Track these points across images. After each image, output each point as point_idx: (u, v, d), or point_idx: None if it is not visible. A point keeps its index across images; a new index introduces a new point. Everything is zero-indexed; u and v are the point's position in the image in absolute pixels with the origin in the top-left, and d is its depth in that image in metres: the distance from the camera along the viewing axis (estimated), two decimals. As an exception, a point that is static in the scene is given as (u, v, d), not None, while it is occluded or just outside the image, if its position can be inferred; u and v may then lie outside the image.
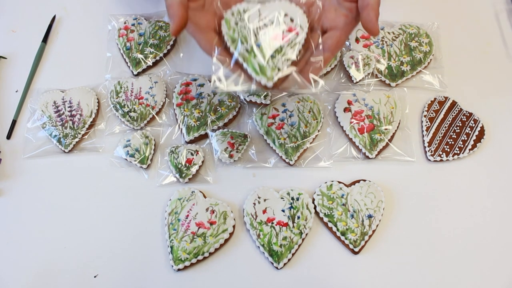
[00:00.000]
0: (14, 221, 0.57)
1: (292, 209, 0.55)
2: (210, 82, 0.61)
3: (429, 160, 0.59)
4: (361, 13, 0.46)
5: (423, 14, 0.69)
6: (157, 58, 0.64)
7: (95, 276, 0.54)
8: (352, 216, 0.55)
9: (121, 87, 0.62)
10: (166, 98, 0.62)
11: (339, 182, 0.57)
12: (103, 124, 0.62)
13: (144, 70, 0.64)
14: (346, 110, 0.61)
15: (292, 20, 0.48)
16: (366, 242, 0.54)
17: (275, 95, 0.61)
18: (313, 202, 0.56)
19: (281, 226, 0.54)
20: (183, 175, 0.57)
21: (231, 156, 0.58)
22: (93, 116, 0.61)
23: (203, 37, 0.48)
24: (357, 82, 0.63)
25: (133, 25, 0.66)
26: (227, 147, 0.58)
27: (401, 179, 0.59)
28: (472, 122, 0.61)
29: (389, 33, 0.66)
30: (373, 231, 0.55)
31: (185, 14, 0.44)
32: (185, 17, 0.45)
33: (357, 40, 0.65)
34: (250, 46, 0.47)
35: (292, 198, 0.56)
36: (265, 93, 0.52)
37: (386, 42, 0.65)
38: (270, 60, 0.47)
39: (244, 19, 0.49)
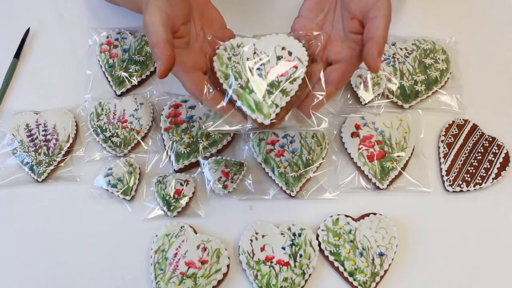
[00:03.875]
0: (-20, 260, 0.61)
1: (293, 247, 0.60)
2: (201, 104, 0.65)
3: (448, 190, 0.64)
4: (364, 46, 0.51)
5: (439, 28, 0.74)
6: (143, 76, 0.70)
7: (71, 322, 0.58)
8: (361, 254, 0.59)
9: (102, 109, 0.67)
10: (153, 122, 0.68)
11: (346, 216, 0.62)
12: (82, 150, 0.67)
13: (128, 90, 0.70)
14: (353, 135, 0.66)
15: (290, 53, 0.54)
16: (377, 283, 0.59)
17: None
18: (317, 239, 0.60)
19: (281, 266, 0.59)
20: (172, 208, 0.62)
21: (225, 187, 0.62)
22: (71, 141, 0.66)
23: (189, 77, 0.53)
24: (365, 104, 0.68)
25: (116, 39, 0.72)
26: (221, 177, 0.63)
27: (416, 212, 0.63)
28: (496, 148, 0.66)
29: (401, 49, 0.72)
30: (385, 271, 0.59)
31: (173, 54, 0.49)
32: (173, 57, 0.49)
33: (365, 57, 0.72)
34: (245, 81, 0.53)
35: (294, 234, 0.60)
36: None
37: (398, 59, 0.71)
38: (267, 96, 0.52)
39: (238, 53, 0.54)
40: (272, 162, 0.64)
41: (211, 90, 0.53)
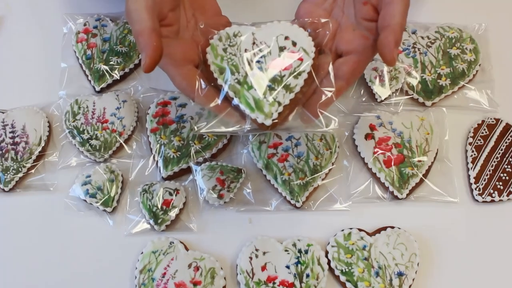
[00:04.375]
0: None
1: (299, 265, 0.60)
2: (193, 102, 0.66)
3: (477, 200, 0.65)
4: (379, 35, 0.51)
5: (467, 13, 0.75)
6: (126, 70, 0.71)
7: None
8: (377, 274, 0.60)
9: (79, 107, 0.68)
10: (138, 122, 0.68)
11: (360, 230, 0.62)
12: (56, 155, 0.67)
13: (109, 86, 0.71)
14: (368, 137, 0.67)
15: (294, 44, 0.55)
16: (395, 308, 0.59)
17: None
18: (327, 256, 0.61)
19: (285, 287, 0.59)
20: (159, 221, 0.62)
21: (220, 197, 0.63)
22: (43, 144, 0.67)
23: (179, 71, 0.53)
24: (381, 101, 0.69)
25: (95, 27, 0.73)
26: (215, 185, 0.63)
27: (440, 226, 0.64)
28: (532, 151, 0.67)
29: (422, 37, 0.72)
30: (405, 293, 0.60)
31: (160, 44, 0.49)
32: (160, 47, 0.49)
33: (381, 47, 0.72)
34: (243, 76, 0.53)
35: (300, 251, 0.61)
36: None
37: (419, 49, 0.72)
38: (268, 93, 0.52)
39: (235, 44, 0.55)
40: (274, 168, 0.65)
41: (204, 86, 0.54)
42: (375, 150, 0.66)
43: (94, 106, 0.68)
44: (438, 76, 0.70)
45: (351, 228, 0.62)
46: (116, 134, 0.67)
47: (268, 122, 0.52)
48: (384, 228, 0.62)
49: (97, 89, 0.70)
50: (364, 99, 0.70)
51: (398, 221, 0.63)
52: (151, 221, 0.62)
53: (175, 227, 0.63)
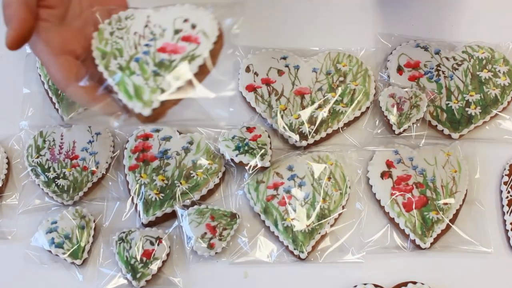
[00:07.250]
0: None
1: None
2: (179, 134, 0.70)
3: (514, 250, 0.68)
4: None
5: (499, 29, 0.79)
6: None
7: None
8: None
9: (44, 141, 0.71)
10: (114, 158, 0.72)
11: (376, 286, 0.65)
12: (15, 197, 0.70)
13: (80, 116, 0.73)
14: (384, 175, 0.70)
15: (194, 26, 0.57)
16: None
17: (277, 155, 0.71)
18: None
19: None
20: (138, 275, 0.65)
21: (211, 246, 0.66)
22: (0, 184, 0.69)
23: (55, 60, 0.55)
24: (400, 133, 0.72)
25: None
26: (205, 233, 0.66)
27: (471, 281, 0.66)
28: None
29: (447, 58, 0.76)
30: None
31: (30, 18, 0.51)
32: (30, 22, 0.51)
33: (399, 70, 0.76)
34: (126, 60, 0.56)
35: None
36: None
37: (443, 72, 0.75)
38: (152, 79, 0.54)
39: (124, 27, 0.58)
40: (274, 212, 0.68)
41: (86, 78, 0.55)
42: (393, 191, 0.69)
43: (62, 139, 0.71)
44: (466, 103, 0.73)
45: (365, 284, 0.65)
46: (88, 172, 0.70)
47: (147, 111, 0.53)
48: (405, 284, 0.65)
49: (66, 119, 0.73)
50: (379, 131, 0.73)
51: (421, 275, 0.65)
52: (129, 276, 0.65)
53: (156, 283, 0.66)
